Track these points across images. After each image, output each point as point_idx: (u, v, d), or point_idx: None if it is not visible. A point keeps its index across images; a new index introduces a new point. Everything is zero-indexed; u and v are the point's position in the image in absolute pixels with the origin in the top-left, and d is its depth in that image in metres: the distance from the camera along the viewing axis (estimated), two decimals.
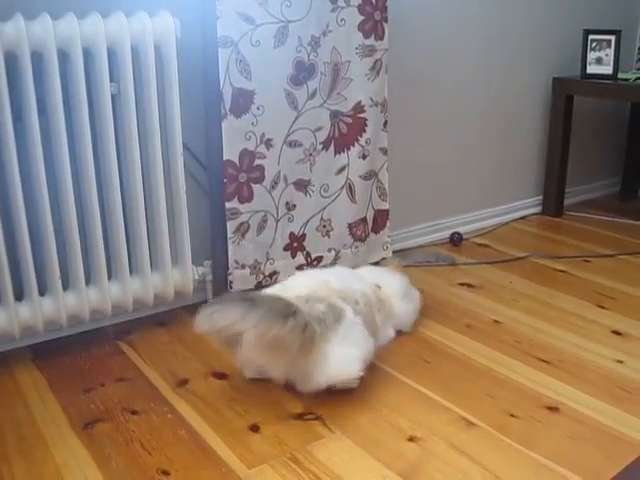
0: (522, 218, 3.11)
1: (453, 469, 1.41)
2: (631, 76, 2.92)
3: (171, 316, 2.09)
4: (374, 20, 2.12)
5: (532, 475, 1.39)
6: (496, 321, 2.08)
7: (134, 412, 1.61)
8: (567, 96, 2.99)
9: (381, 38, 2.16)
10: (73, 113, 1.72)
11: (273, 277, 2.15)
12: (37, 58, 1.63)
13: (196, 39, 1.92)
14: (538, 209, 3.19)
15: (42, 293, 1.81)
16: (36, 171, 1.68)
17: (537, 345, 1.93)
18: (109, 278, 1.88)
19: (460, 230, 2.81)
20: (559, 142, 3.04)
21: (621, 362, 1.84)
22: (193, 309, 2.03)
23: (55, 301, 1.80)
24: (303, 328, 1.50)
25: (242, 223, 2.04)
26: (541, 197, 3.19)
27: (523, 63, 2.93)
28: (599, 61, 2.95)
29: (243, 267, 2.08)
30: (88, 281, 1.86)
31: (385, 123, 2.28)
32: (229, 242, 2.04)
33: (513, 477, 1.39)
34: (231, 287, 2.07)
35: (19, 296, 1.77)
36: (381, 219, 2.38)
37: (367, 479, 1.38)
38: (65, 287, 1.83)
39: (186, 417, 1.59)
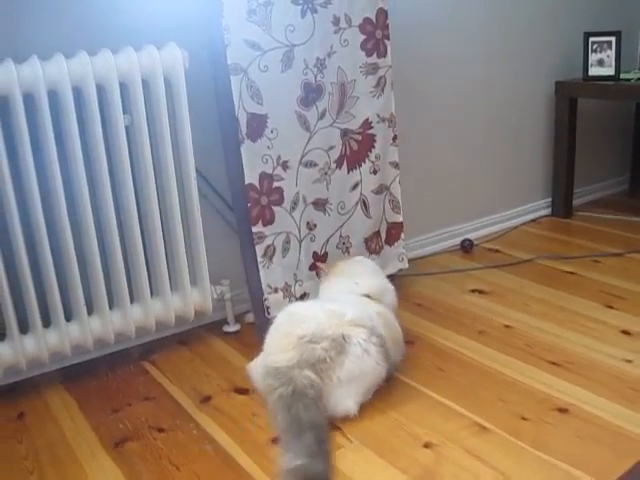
0: (532, 221, 3.16)
1: (467, 473, 1.47)
2: (633, 76, 2.96)
3: (192, 335, 2.16)
4: (375, 38, 2.19)
5: (544, 476, 1.45)
6: (507, 326, 2.14)
7: (161, 430, 1.68)
8: (571, 99, 3.04)
9: (384, 55, 2.22)
10: (90, 145, 1.79)
11: (304, 299, 2.19)
12: (53, 96, 1.71)
13: (207, 68, 1.99)
14: (548, 211, 3.24)
15: (68, 319, 1.88)
16: (57, 201, 1.76)
17: (547, 348, 1.99)
18: (131, 301, 1.95)
19: (471, 236, 2.87)
20: (565, 144, 3.09)
21: (630, 362, 1.89)
22: (213, 327, 2.13)
23: (81, 326, 1.88)
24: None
25: (268, 246, 2.09)
26: (550, 199, 3.24)
27: (526, 68, 2.99)
28: (601, 63, 3.00)
29: (276, 291, 2.13)
30: (111, 305, 1.93)
31: (394, 138, 2.33)
32: (260, 267, 2.08)
33: (522, 477, 1.44)
34: (269, 313, 2.10)
35: (46, 323, 1.85)
36: (395, 231, 2.44)
37: None
38: (90, 312, 1.91)
39: (210, 432, 1.66)
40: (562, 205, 3.20)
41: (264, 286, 2.10)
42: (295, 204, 2.12)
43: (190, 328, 2.17)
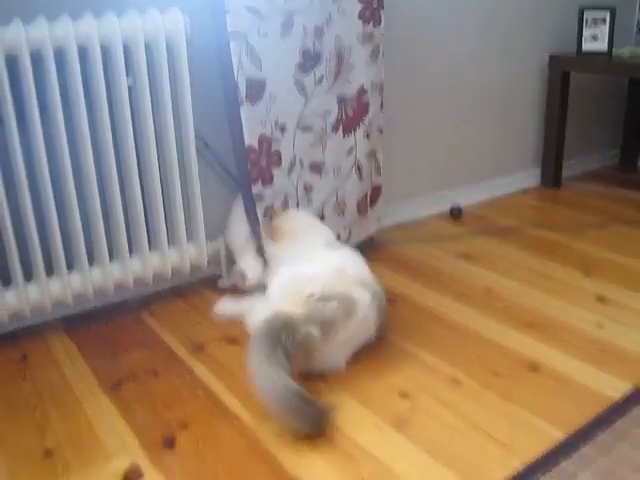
0: (521, 190, 3.26)
1: (439, 421, 1.58)
2: (626, 52, 3.03)
3: (188, 288, 2.27)
4: (372, 7, 2.26)
5: (510, 425, 1.56)
6: (488, 289, 2.24)
7: (155, 374, 1.80)
8: (564, 72, 3.12)
9: (379, 24, 2.30)
10: (93, 103, 1.88)
11: None
12: (59, 54, 1.79)
13: (208, 33, 2.07)
14: (537, 181, 3.33)
15: (70, 269, 1.98)
16: (62, 156, 1.85)
17: (525, 310, 2.09)
18: (130, 254, 2.05)
19: (460, 203, 2.96)
20: (556, 116, 3.17)
21: (601, 326, 1.99)
22: (208, 281, 2.23)
23: (82, 276, 1.99)
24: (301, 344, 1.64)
25: (267, 207, 2.18)
26: (540, 170, 3.32)
27: (520, 41, 3.06)
28: (594, 38, 3.07)
29: None
30: (111, 257, 2.03)
31: (382, 104, 2.41)
32: (261, 225, 2.18)
33: (493, 427, 1.55)
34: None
35: (49, 272, 1.95)
36: (375, 194, 2.53)
37: (363, 429, 1.55)
38: (91, 263, 2.01)
39: (202, 378, 1.77)
40: (551, 176, 3.29)
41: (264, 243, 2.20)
42: (292, 166, 2.21)
43: (186, 282, 2.28)
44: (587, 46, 3.08)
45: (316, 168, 2.28)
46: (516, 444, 1.49)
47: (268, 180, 2.16)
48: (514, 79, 3.10)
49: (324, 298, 1.70)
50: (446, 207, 2.95)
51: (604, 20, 3.04)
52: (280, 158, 2.17)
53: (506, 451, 1.48)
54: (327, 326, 1.68)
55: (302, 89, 2.16)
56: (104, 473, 1.44)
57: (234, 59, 1.99)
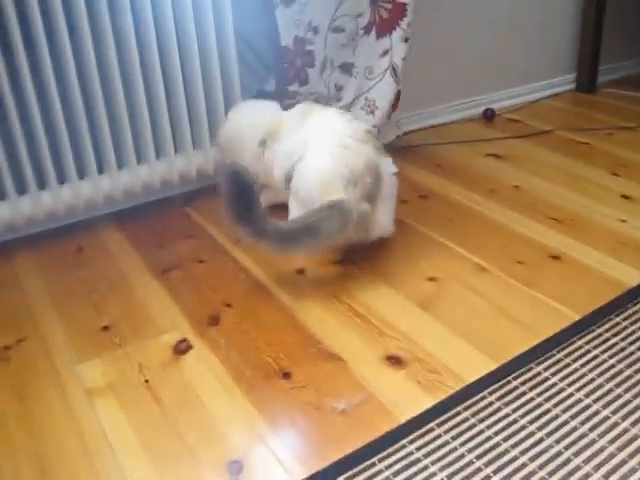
0: (556, 95, 3.28)
1: (463, 302, 1.71)
2: None
3: None
4: None
5: (529, 307, 1.68)
6: (516, 186, 2.33)
7: (201, 261, 1.94)
8: None
9: None
10: (137, 3, 1.96)
11: None
12: None
13: None
14: (572, 86, 3.35)
15: (119, 167, 2.11)
16: (107, 56, 1.95)
17: (550, 206, 2.18)
18: (175, 152, 2.17)
19: (494, 106, 3.01)
20: (592, 18, 3.14)
21: (624, 221, 2.08)
22: None
23: (130, 173, 2.11)
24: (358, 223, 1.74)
25: None
26: (575, 74, 3.33)
27: None
28: None
29: None
30: (158, 155, 2.16)
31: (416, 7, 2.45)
32: None
33: (513, 309, 1.67)
34: None
35: (100, 170, 2.09)
36: (398, 99, 2.58)
37: (391, 309, 1.68)
38: (138, 161, 2.13)
39: (244, 264, 1.91)
40: (587, 81, 3.30)
41: None
42: (324, 67, 2.29)
43: None
44: None
45: (346, 68, 2.35)
46: (535, 324, 1.61)
47: (303, 79, 2.24)
48: None
49: (355, 177, 1.75)
50: (479, 111, 3.00)
51: None
52: (313, 58, 2.25)
53: (525, 330, 1.60)
54: (371, 197, 1.78)
55: None
56: (157, 345, 1.60)
57: None
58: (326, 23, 2.24)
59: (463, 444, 1.29)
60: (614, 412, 1.35)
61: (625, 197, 2.23)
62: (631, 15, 3.43)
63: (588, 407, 1.37)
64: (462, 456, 1.26)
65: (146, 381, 1.48)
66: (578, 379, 1.45)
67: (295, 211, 1.85)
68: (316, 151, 1.82)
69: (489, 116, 2.95)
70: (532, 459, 1.24)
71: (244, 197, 1.66)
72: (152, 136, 2.11)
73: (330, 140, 1.82)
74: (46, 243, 2.08)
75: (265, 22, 2.19)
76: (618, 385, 1.42)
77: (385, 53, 2.41)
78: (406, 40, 2.41)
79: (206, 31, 2.07)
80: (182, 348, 1.58)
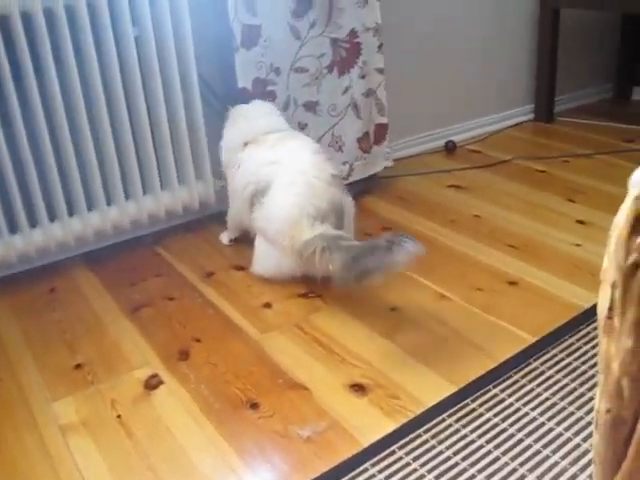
0: (515, 125, 3.39)
1: (426, 330, 1.77)
2: None
3: (198, 223, 2.45)
4: None
5: (489, 332, 1.75)
6: (476, 216, 2.41)
7: (171, 299, 1.99)
8: (553, 9, 3.21)
9: None
10: (104, 53, 2.03)
11: None
12: (68, 10, 1.94)
13: None
14: (531, 116, 3.46)
15: (90, 209, 2.17)
16: (76, 102, 2.02)
17: (509, 234, 2.26)
18: (144, 193, 2.24)
19: (455, 138, 3.11)
20: (547, 52, 3.27)
21: (579, 245, 2.16)
22: (216, 216, 2.41)
23: (100, 214, 2.17)
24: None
25: None
26: (533, 105, 3.45)
27: None
28: None
29: None
30: (127, 196, 2.22)
31: (380, 46, 2.54)
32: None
33: (472, 334, 1.74)
34: None
35: (71, 212, 2.14)
36: (381, 132, 2.68)
37: (355, 338, 1.75)
38: (108, 202, 2.19)
39: (212, 300, 1.97)
40: (544, 111, 3.41)
41: None
42: (287, 106, 2.37)
43: (196, 218, 2.46)
44: None
45: (310, 106, 2.44)
46: (493, 348, 1.68)
47: None
48: (506, 16, 3.20)
49: (321, 216, 1.84)
50: (440, 144, 3.09)
51: None
52: (275, 98, 2.33)
53: (484, 354, 1.67)
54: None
55: (296, 33, 2.30)
56: (129, 381, 1.65)
57: (230, 6, 2.14)
58: (288, 64, 2.33)
59: (423, 465, 1.35)
60: (567, 429, 1.42)
61: (580, 222, 2.31)
62: (584, 47, 3.57)
63: (542, 425, 1.43)
64: (423, 476, 1.32)
65: (118, 416, 1.52)
66: (533, 399, 1.52)
67: (263, 248, 1.93)
68: (282, 189, 1.90)
69: (450, 148, 3.05)
70: (489, 477, 1.30)
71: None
72: (120, 178, 2.17)
73: (296, 179, 1.90)
74: (19, 285, 2.13)
75: (224, 65, 2.27)
76: (571, 403, 1.49)
77: (346, 90, 2.50)
78: (363, 77, 2.50)
79: (171, 79, 2.15)
80: (153, 383, 1.63)
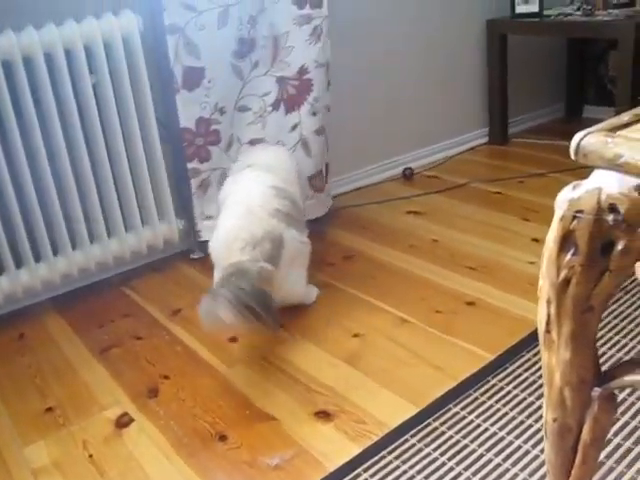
0: (471, 149, 3.49)
1: (387, 354, 1.83)
2: (554, 12, 3.25)
3: (164, 262, 2.50)
4: None
5: (448, 353, 1.81)
6: (435, 240, 2.48)
7: (139, 338, 2.03)
8: (500, 35, 3.33)
9: (318, 6, 2.48)
10: (63, 102, 2.09)
11: None
12: (27, 62, 2.00)
13: (149, 28, 2.26)
14: (485, 139, 3.56)
15: (55, 253, 2.21)
16: (39, 151, 2.07)
17: (466, 256, 2.33)
18: (108, 236, 2.28)
19: (413, 165, 3.19)
20: (497, 77, 3.39)
21: (533, 263, 2.24)
22: (181, 255, 2.46)
23: (66, 259, 2.21)
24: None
25: (203, 180, 2.41)
26: (487, 128, 3.55)
27: (458, 8, 3.26)
28: (526, 0, 3.28)
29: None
30: (92, 240, 2.26)
31: (329, 83, 2.61)
32: (193, 197, 2.41)
33: (432, 356, 1.80)
34: (199, 237, 2.47)
35: (37, 258, 2.18)
36: (328, 170, 2.74)
37: (319, 367, 1.80)
38: (73, 247, 2.23)
39: (180, 337, 2.01)
40: (498, 133, 3.52)
41: (197, 214, 2.45)
42: (230, 144, 2.44)
43: (162, 257, 2.50)
44: (520, 9, 3.28)
45: (256, 144, 2.49)
46: (453, 368, 1.74)
47: (204, 157, 2.38)
48: (455, 45, 3.31)
49: (254, 241, 1.86)
50: (399, 171, 3.17)
51: None
52: (219, 137, 2.40)
53: (444, 374, 1.72)
54: (272, 261, 1.87)
55: (239, 74, 2.38)
56: (99, 421, 1.68)
57: (170, 51, 2.21)
58: (232, 104, 2.39)
59: None
60: (525, 441, 1.48)
61: (535, 240, 2.39)
62: (534, 70, 3.69)
63: (502, 439, 1.49)
64: None
65: (90, 456, 1.56)
66: (493, 414, 1.57)
67: (215, 272, 1.98)
68: (227, 213, 1.97)
69: (408, 175, 3.13)
70: None
71: None
72: (84, 222, 2.21)
73: (240, 205, 1.96)
74: None
75: (171, 106, 2.33)
76: (529, 416, 1.55)
77: (294, 127, 2.56)
78: (314, 114, 2.57)
79: (130, 123, 2.22)
80: (124, 422, 1.66)
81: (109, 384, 1.83)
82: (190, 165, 2.37)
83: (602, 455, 1.39)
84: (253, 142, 2.49)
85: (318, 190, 2.67)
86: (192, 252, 2.50)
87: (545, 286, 0.98)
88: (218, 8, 2.26)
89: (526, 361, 1.75)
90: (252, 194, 1.97)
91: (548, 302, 0.98)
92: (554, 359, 1.01)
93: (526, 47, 3.59)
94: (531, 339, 1.83)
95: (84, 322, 2.16)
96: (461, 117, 3.45)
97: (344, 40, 2.82)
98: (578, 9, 3.23)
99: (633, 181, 0.82)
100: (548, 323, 0.99)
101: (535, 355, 1.77)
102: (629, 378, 0.98)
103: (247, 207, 1.93)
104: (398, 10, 3.03)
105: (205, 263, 2.40)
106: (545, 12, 3.25)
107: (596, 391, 0.99)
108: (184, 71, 2.26)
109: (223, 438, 1.57)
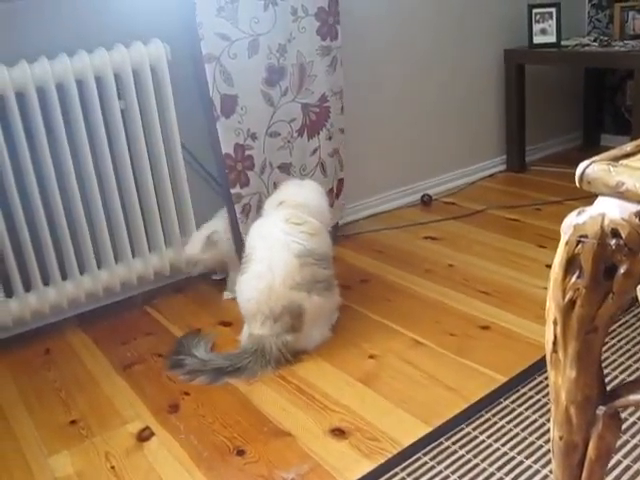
0: (489, 176, 3.53)
1: (402, 375, 1.87)
2: (572, 43, 3.31)
3: (186, 283, 2.56)
4: (328, 24, 2.54)
5: (461, 375, 1.85)
6: (451, 265, 2.53)
7: (160, 355, 2.09)
8: (518, 65, 3.39)
9: (335, 38, 2.58)
10: (92, 126, 2.17)
11: None
12: (60, 88, 2.09)
13: (187, 58, 2.35)
14: (503, 167, 3.61)
15: (82, 272, 2.28)
16: (67, 171, 2.15)
17: (481, 281, 2.38)
18: (133, 256, 2.35)
19: (431, 192, 3.25)
20: (515, 106, 3.44)
21: (547, 289, 2.27)
22: (202, 276, 2.52)
23: (92, 277, 2.28)
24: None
25: (245, 204, 2.47)
26: (505, 156, 3.60)
27: (476, 38, 3.33)
28: (544, 32, 3.35)
29: None
30: (117, 259, 2.33)
31: (342, 108, 2.70)
32: (239, 222, 2.46)
33: (448, 378, 1.84)
34: None
35: (64, 276, 2.25)
36: (340, 186, 2.82)
37: (335, 386, 1.85)
38: (99, 266, 2.30)
39: None
40: (516, 161, 3.56)
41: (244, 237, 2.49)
42: (263, 168, 2.51)
43: (184, 277, 2.57)
44: (537, 39, 3.35)
45: (284, 168, 2.58)
46: (465, 390, 1.78)
47: (244, 182, 2.45)
48: (474, 74, 3.37)
49: (275, 316, 1.96)
50: (417, 197, 3.23)
51: (551, 15, 3.31)
52: (253, 162, 2.47)
53: (457, 395, 1.76)
54: (294, 329, 1.98)
55: (269, 100, 2.46)
56: (121, 434, 1.73)
57: (209, 79, 2.28)
58: (263, 129, 2.47)
59: None
60: (535, 461, 1.51)
61: (549, 267, 2.42)
62: (551, 99, 3.74)
63: (512, 459, 1.53)
64: None
65: (112, 467, 1.61)
66: (504, 435, 1.61)
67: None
68: (250, 277, 2.01)
69: (426, 201, 3.18)
70: None
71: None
72: (110, 243, 2.28)
73: (262, 278, 1.98)
74: (15, 347, 2.22)
75: (207, 134, 2.40)
76: (539, 437, 1.59)
77: (315, 151, 2.64)
78: (330, 138, 2.66)
79: (156, 148, 2.30)
80: (145, 435, 1.72)
81: (131, 399, 1.88)
82: (233, 190, 2.42)
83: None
84: (282, 167, 2.56)
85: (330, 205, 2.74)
86: (214, 274, 2.56)
87: (552, 308, 1.03)
88: (249, 37, 2.34)
89: (538, 384, 1.79)
90: (275, 266, 1.98)
91: (555, 323, 1.03)
92: (560, 378, 1.05)
93: (544, 76, 3.65)
94: (543, 362, 1.85)
95: (108, 339, 2.23)
96: (479, 145, 3.51)
97: (363, 68, 2.90)
98: (595, 40, 3.29)
99: (634, 207, 0.87)
100: (555, 343, 1.04)
101: (547, 379, 1.80)
102: (633, 397, 1.02)
103: (267, 283, 1.97)
104: (419, 38, 3.10)
105: (225, 285, 2.46)
106: (562, 42, 3.31)
107: (601, 409, 1.03)
108: (221, 99, 2.34)
109: (241, 453, 1.62)
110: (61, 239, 2.19)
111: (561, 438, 1.09)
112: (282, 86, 2.48)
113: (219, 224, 2.43)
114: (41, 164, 2.10)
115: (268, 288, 1.96)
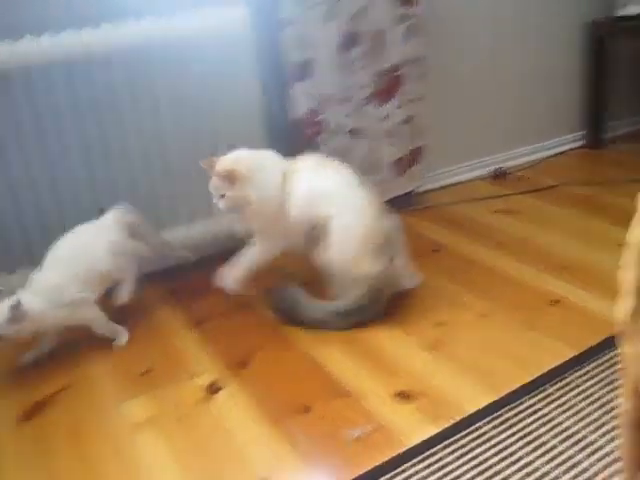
0: (566, 151, 3.47)
1: (469, 344, 1.88)
2: None
3: None
4: None
5: (529, 346, 1.85)
6: (523, 238, 2.51)
7: (233, 313, 2.16)
8: (600, 37, 3.30)
9: (415, 5, 2.57)
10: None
11: None
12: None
13: (263, 21, 2.37)
14: (581, 143, 3.53)
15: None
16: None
17: (554, 255, 2.35)
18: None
19: (505, 165, 3.21)
20: (595, 80, 3.36)
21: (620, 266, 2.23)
22: None
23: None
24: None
25: None
26: (583, 131, 3.53)
27: (558, 8, 3.25)
28: (630, 1, 3.23)
29: None
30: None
31: (420, 75, 2.70)
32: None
33: (514, 348, 1.84)
34: None
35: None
36: (415, 154, 2.83)
37: (402, 350, 1.88)
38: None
39: (269, 317, 2.10)
40: (595, 137, 3.48)
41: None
42: (335, 133, 2.54)
43: None
44: (622, 11, 3.24)
45: (353, 133, 2.60)
46: (532, 361, 1.78)
47: (315, 146, 2.49)
48: (554, 46, 3.30)
49: (380, 251, 1.99)
50: (490, 170, 3.20)
51: None
52: (325, 126, 2.49)
53: (523, 366, 1.76)
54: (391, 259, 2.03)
55: (342, 66, 2.48)
56: (192, 386, 1.80)
57: (284, 43, 2.31)
58: (335, 95, 2.49)
59: (461, 466, 1.46)
60: (601, 436, 1.51)
61: (623, 245, 2.38)
62: (633, 74, 3.63)
63: (576, 433, 1.52)
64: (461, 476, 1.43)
65: (182, 416, 1.68)
66: (568, 409, 1.60)
67: (338, 286, 2.05)
68: (343, 230, 1.99)
69: (500, 175, 3.15)
70: (523, 477, 1.41)
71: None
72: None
73: (355, 220, 2.00)
74: None
75: (280, 96, 2.43)
76: (605, 414, 1.58)
77: (386, 118, 2.66)
78: (400, 107, 2.66)
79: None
80: (214, 388, 1.78)
81: (202, 353, 1.95)
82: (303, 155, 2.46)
83: None
84: (352, 132, 2.58)
85: (399, 174, 2.78)
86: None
87: (629, 278, 1.03)
88: (326, 3, 2.35)
89: (606, 361, 1.77)
90: (356, 202, 2.04)
91: (631, 294, 1.02)
92: (632, 349, 1.05)
93: (628, 50, 3.55)
94: (612, 340, 1.84)
95: (185, 294, 2.30)
96: (558, 119, 3.44)
97: (443, 37, 2.87)
98: None
99: None
100: (632, 315, 1.04)
101: (616, 356, 1.78)
102: None
103: (363, 221, 2.02)
104: (501, 7, 3.05)
105: None
106: None
107: None
108: (296, 63, 2.37)
109: (307, 409, 1.66)
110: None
111: (629, 411, 1.09)
112: (354, 53, 2.49)
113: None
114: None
115: (366, 227, 1.99)
